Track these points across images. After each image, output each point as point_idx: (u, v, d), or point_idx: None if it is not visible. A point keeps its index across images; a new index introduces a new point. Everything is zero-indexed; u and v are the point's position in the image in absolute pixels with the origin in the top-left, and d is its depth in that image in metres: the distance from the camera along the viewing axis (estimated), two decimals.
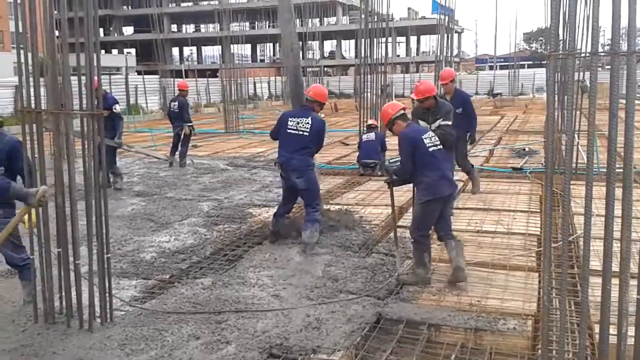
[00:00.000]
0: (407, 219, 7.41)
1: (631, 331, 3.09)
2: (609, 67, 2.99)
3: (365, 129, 12.00)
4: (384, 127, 5.80)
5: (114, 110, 9.39)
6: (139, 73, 37.99)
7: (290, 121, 6.33)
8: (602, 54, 3.26)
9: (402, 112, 5.47)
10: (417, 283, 5.18)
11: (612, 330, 3.09)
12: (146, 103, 31.23)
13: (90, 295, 4.27)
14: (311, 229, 6.24)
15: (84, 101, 4.23)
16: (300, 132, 6.25)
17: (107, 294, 4.32)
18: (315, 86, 6.96)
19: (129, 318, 4.48)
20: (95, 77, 4.05)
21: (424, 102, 6.93)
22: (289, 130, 6.31)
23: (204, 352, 3.92)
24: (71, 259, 4.28)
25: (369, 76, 13.19)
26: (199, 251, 6.40)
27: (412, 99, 7.25)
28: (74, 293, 4.31)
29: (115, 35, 65.63)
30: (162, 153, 12.94)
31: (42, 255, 4.32)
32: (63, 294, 4.37)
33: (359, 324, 4.36)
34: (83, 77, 4.11)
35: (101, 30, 61.28)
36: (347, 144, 15.78)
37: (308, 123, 6.24)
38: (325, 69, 54.74)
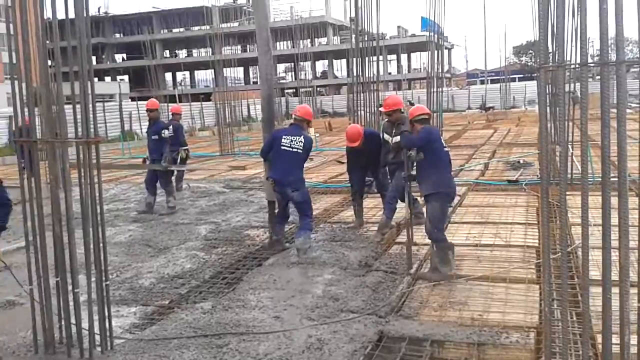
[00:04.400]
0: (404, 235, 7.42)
1: (634, 340, 3.08)
2: (599, 77, 3.02)
3: None
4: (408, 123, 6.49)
5: (162, 135, 10.14)
6: (133, 99, 38.13)
7: (285, 139, 6.74)
8: (592, 64, 3.30)
9: (426, 116, 6.05)
10: (439, 280, 5.52)
11: (615, 339, 3.08)
12: (140, 129, 31.20)
13: (89, 324, 4.23)
14: (304, 235, 6.73)
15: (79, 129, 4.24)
16: (295, 150, 6.69)
17: (106, 322, 4.29)
18: (301, 106, 7.47)
19: (130, 345, 4.44)
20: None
21: (391, 115, 7.45)
22: (283, 148, 6.71)
23: None
24: (70, 287, 4.25)
25: (361, 94, 13.25)
26: (198, 275, 6.37)
27: (380, 112, 7.66)
28: (73, 322, 4.27)
29: (108, 62, 65.93)
30: None
31: (41, 285, 4.29)
32: (62, 323, 4.34)
33: (362, 343, 4.33)
34: (77, 106, 4.13)
35: (94, 58, 61.56)
36: (343, 162, 15.79)
37: (301, 141, 6.72)
38: (318, 88, 55.04)
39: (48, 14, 4.12)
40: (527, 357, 4.07)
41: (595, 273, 4.02)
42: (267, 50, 7.45)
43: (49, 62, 4.33)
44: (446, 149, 5.96)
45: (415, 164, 5.93)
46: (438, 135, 5.99)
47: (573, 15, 9.53)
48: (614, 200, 2.96)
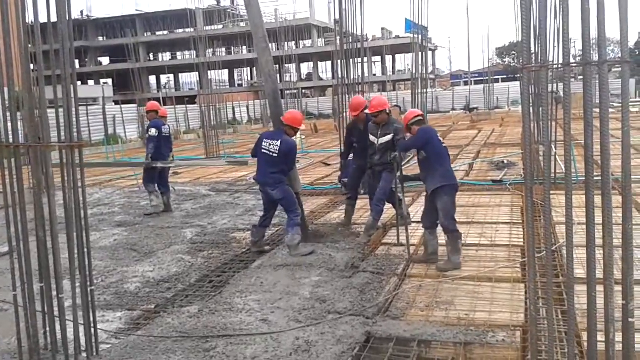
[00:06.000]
0: (392, 235, 7.43)
1: (619, 337, 3.11)
2: (582, 77, 3.04)
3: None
4: (404, 128, 6.62)
5: (149, 134, 10.14)
6: (117, 103, 37.77)
7: (264, 142, 6.97)
8: (574, 64, 3.33)
9: (419, 118, 6.34)
10: (451, 269, 5.86)
11: (600, 337, 3.11)
12: (125, 132, 31.05)
13: (75, 330, 4.19)
14: (292, 232, 6.86)
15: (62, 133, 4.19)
16: (271, 153, 6.87)
17: (92, 328, 4.25)
18: (290, 112, 7.43)
19: (116, 351, 4.40)
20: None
21: (377, 117, 7.39)
22: (262, 150, 6.96)
23: None
24: (54, 293, 4.21)
25: (346, 96, 13.26)
26: (184, 279, 6.34)
27: (366, 114, 7.65)
28: (58, 328, 4.23)
29: (92, 66, 65.39)
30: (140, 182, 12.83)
31: (25, 290, 4.24)
32: (47, 329, 4.29)
33: (349, 344, 4.33)
34: (60, 110, 4.09)
35: (77, 61, 60.99)
36: (328, 164, 15.82)
37: (277, 145, 6.85)
38: (304, 90, 55.03)
39: (30, 17, 4.09)
40: (513, 356, 4.09)
41: (580, 271, 4.06)
42: (265, 47, 7.44)
43: (32, 66, 4.29)
44: (443, 144, 6.20)
45: (403, 165, 6.03)
46: (434, 132, 6.23)
47: (555, 16, 9.62)
48: (598, 199, 2.99)
